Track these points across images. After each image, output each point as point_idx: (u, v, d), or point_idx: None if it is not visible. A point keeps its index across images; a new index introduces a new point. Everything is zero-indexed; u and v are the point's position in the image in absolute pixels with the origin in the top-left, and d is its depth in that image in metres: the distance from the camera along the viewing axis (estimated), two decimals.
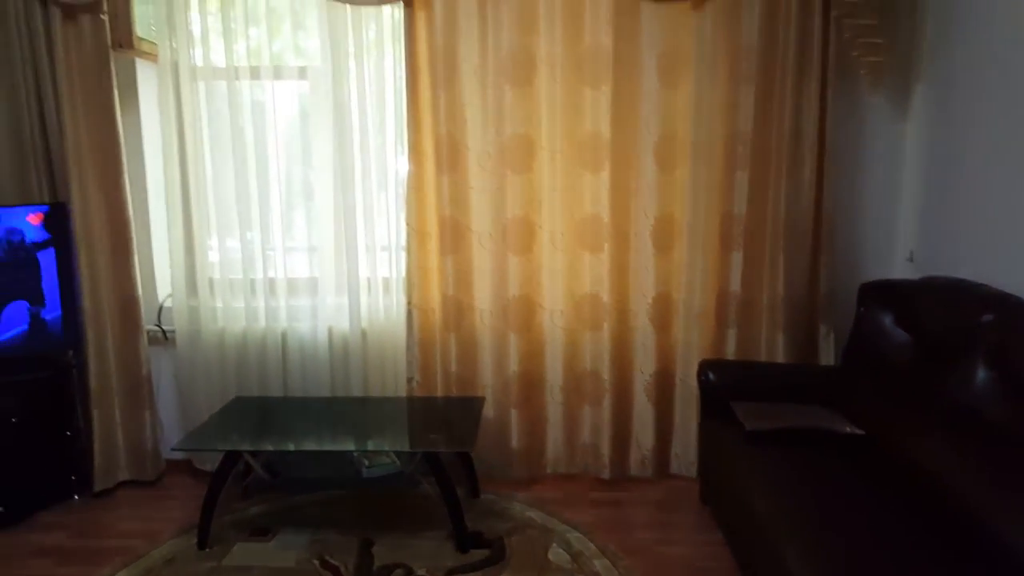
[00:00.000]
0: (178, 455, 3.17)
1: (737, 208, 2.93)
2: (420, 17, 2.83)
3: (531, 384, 3.11)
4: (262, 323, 3.12)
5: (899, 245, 3.02)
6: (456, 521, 2.59)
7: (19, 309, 2.83)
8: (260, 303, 3.11)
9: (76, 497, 3.04)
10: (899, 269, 2.98)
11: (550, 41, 2.85)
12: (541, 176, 2.97)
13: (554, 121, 2.91)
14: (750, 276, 2.98)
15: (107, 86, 2.85)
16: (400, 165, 2.99)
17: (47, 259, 2.86)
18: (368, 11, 2.86)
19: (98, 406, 3.02)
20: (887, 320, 2.55)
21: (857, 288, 2.74)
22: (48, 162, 2.91)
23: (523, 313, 3.05)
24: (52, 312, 2.90)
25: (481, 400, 3.00)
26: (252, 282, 3.11)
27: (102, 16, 2.77)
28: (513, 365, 3.06)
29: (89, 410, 3.02)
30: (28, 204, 2.85)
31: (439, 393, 3.11)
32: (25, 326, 2.85)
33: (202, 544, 2.64)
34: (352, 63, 2.91)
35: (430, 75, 2.87)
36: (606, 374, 3.07)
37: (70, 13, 2.77)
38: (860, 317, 2.68)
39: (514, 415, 3.10)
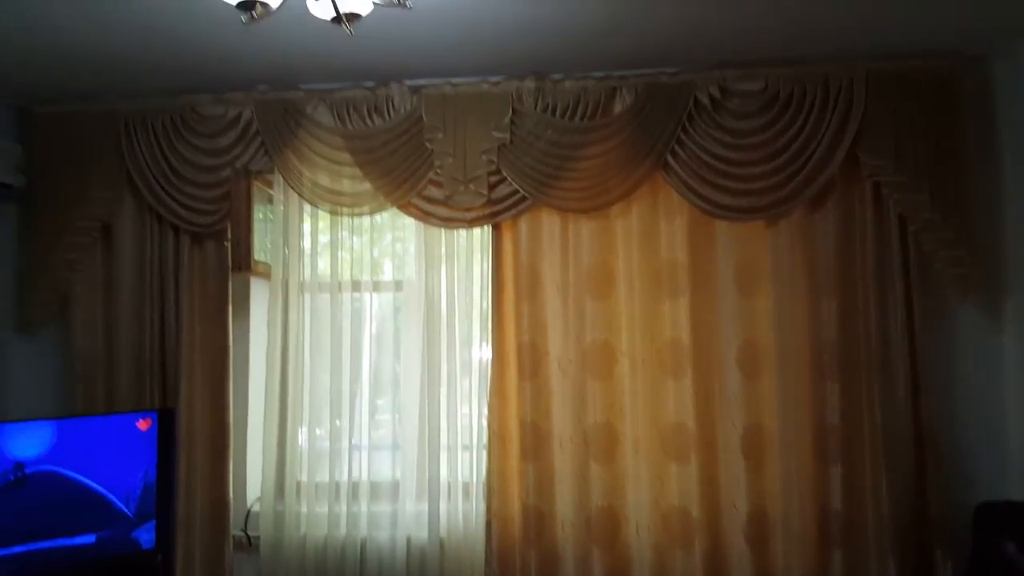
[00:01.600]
0: None
1: (830, 419, 2.78)
2: (506, 237, 2.99)
3: None
4: (343, 531, 3.05)
5: (1013, 459, 2.76)
6: None
7: (117, 511, 2.92)
8: (342, 508, 3.06)
9: None
10: (1018, 487, 2.70)
11: (628, 257, 2.93)
12: (622, 382, 2.92)
13: (633, 329, 2.91)
14: (851, 492, 2.74)
15: (223, 303, 3.07)
16: (483, 368, 3.03)
17: (149, 464, 2.99)
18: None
19: None
20: (1011, 547, 2.28)
21: (972, 508, 2.49)
22: (163, 369, 3.10)
23: (607, 526, 2.86)
24: (147, 516, 2.97)
25: None
26: (337, 485, 3.07)
27: (225, 243, 3.06)
28: None
29: None
30: (140, 411, 3.04)
31: None
32: (120, 529, 2.92)
33: None
34: (443, 273, 3.06)
35: (514, 287, 2.98)
36: None
37: (198, 239, 3.08)
38: (978, 542, 2.40)
39: None
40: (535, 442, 2.95)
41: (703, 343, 2.89)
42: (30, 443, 2.70)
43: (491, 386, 2.98)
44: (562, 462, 2.94)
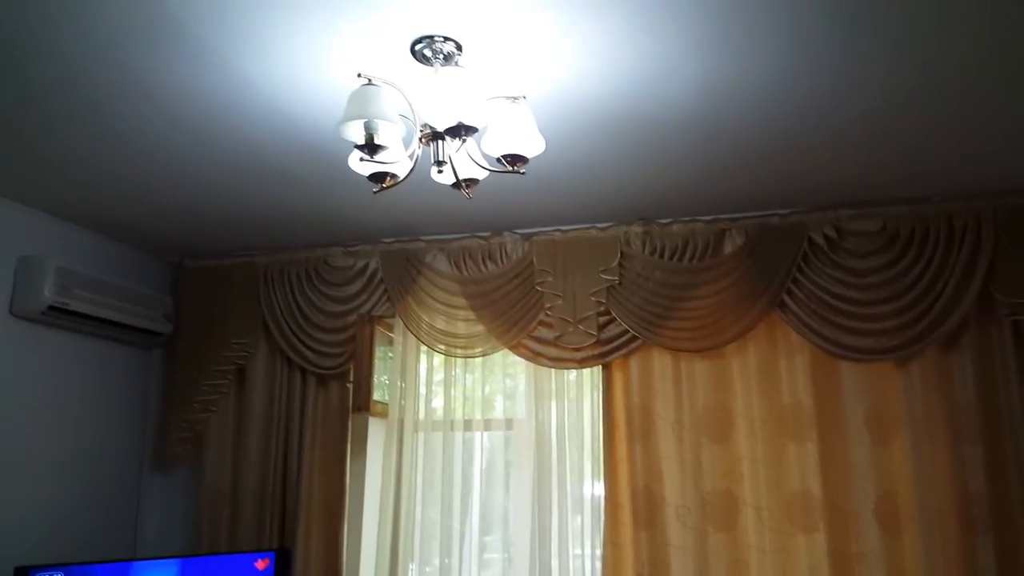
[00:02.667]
0: None
1: None
2: (617, 378, 2.92)
3: None
4: None
5: None
6: None
7: None
8: None
9: None
10: None
11: (747, 398, 2.79)
12: (747, 535, 2.69)
13: (757, 476, 2.71)
14: None
15: (342, 442, 3.13)
16: (596, 508, 2.89)
17: None
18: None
19: None
20: None
21: None
22: (283, 508, 3.13)
23: None
24: None
25: None
26: None
27: (348, 384, 3.17)
28: None
29: None
30: (259, 551, 3.07)
31: None
32: None
33: None
34: (553, 411, 3.00)
35: (626, 427, 2.86)
36: None
37: (323, 380, 3.19)
38: None
39: None
40: None
41: (836, 494, 2.64)
42: None
43: (605, 535, 2.82)
44: None
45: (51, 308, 2.79)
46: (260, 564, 2.98)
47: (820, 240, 2.76)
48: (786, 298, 2.77)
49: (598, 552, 2.85)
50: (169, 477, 3.38)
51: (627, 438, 2.89)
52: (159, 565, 2.79)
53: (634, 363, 2.94)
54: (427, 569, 3.07)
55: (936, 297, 2.62)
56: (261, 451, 3.19)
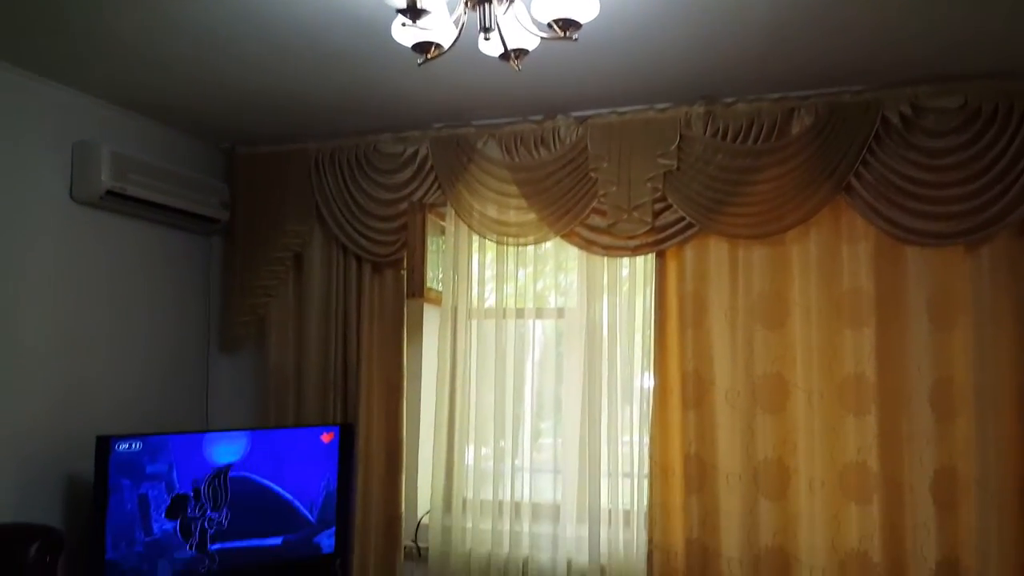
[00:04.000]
0: None
1: None
2: (671, 266, 2.86)
3: None
4: (506, 549, 3.03)
5: None
6: None
7: (301, 517, 3.09)
8: (505, 527, 3.04)
9: None
10: None
11: (804, 285, 2.70)
12: (796, 417, 2.69)
13: (810, 362, 2.68)
14: None
15: (398, 327, 3.18)
16: (645, 397, 2.92)
17: (331, 475, 3.15)
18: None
19: None
20: None
21: None
22: (344, 387, 3.25)
23: (777, 566, 2.63)
24: (328, 522, 3.13)
25: None
26: (500, 504, 3.08)
27: (402, 271, 3.17)
28: None
29: None
30: (324, 425, 3.22)
31: None
32: (304, 533, 3.09)
33: None
34: (605, 301, 2.97)
35: (678, 315, 2.84)
36: None
37: (378, 268, 3.20)
38: None
39: None
40: (699, 475, 2.79)
41: (890, 378, 2.60)
42: (228, 451, 2.92)
43: (653, 416, 2.86)
44: (728, 497, 2.76)
45: (109, 193, 2.79)
46: (325, 437, 3.12)
47: (895, 119, 2.57)
48: (854, 181, 2.62)
49: (646, 439, 2.89)
50: (235, 358, 3.51)
51: (679, 326, 2.86)
52: (231, 436, 2.94)
53: (689, 251, 2.86)
54: (483, 450, 3.18)
55: (1015, 179, 2.45)
56: (321, 334, 3.26)
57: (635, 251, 2.88)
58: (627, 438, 2.97)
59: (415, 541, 3.26)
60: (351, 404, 3.22)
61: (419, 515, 3.29)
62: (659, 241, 2.84)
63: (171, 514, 2.76)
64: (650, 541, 2.83)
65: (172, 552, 2.76)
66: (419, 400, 3.34)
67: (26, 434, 2.67)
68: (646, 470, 2.87)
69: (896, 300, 2.64)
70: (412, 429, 3.30)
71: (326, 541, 3.09)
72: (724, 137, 2.76)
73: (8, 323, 2.62)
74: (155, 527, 2.73)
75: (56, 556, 2.38)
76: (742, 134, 2.74)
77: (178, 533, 2.77)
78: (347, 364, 3.23)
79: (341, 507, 3.12)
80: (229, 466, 2.89)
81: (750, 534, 2.71)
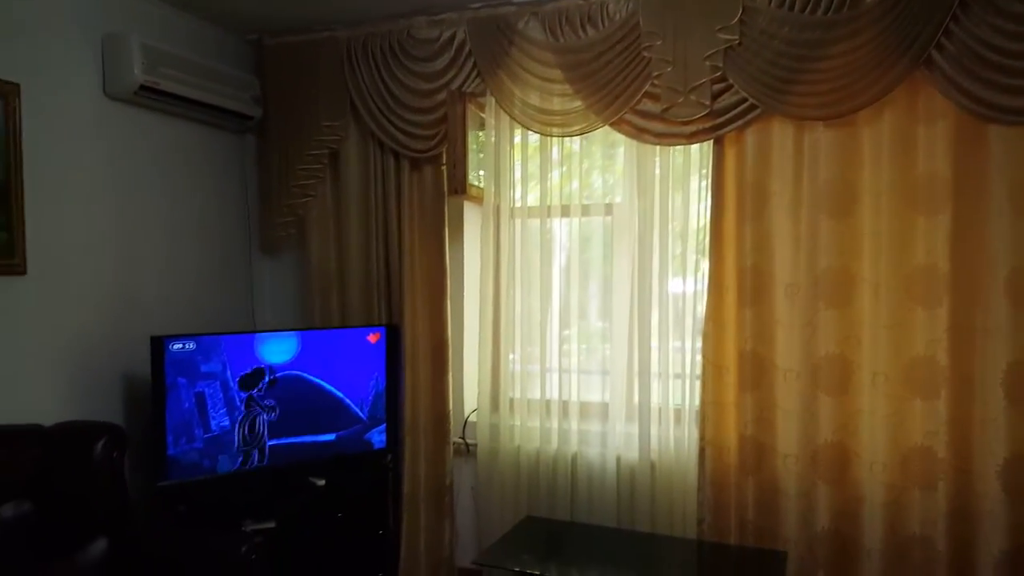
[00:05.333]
0: (470, 564, 3.23)
1: None
2: (729, 153, 2.70)
3: (843, 545, 2.63)
4: (554, 445, 3.09)
5: None
6: None
7: (352, 414, 3.15)
8: (553, 424, 3.09)
9: None
10: None
11: (875, 170, 2.53)
12: (861, 311, 2.59)
13: (878, 252, 2.55)
14: None
15: (440, 226, 3.11)
16: (698, 295, 2.85)
17: (379, 374, 3.18)
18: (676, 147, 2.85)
19: (408, 509, 3.17)
20: None
21: None
22: (388, 287, 3.24)
23: (836, 462, 2.63)
24: (378, 420, 3.19)
25: (783, 555, 2.63)
26: (548, 403, 3.11)
27: (442, 167, 3.07)
28: (822, 521, 2.64)
29: (400, 512, 3.20)
30: (370, 326, 3.22)
31: (733, 540, 2.78)
32: (355, 430, 3.16)
33: None
34: (656, 194, 2.86)
35: (736, 207, 2.71)
36: (940, 543, 2.51)
37: (416, 164, 3.11)
38: None
39: None
40: (755, 372, 2.74)
41: (964, 269, 2.46)
42: (279, 350, 2.95)
43: (707, 314, 2.78)
44: (786, 394, 2.71)
45: (143, 88, 2.73)
46: (372, 338, 3.13)
47: None
48: (934, 53, 2.39)
49: (698, 345, 2.82)
50: (277, 259, 3.51)
51: (736, 218, 2.74)
52: (280, 337, 2.96)
53: (750, 136, 2.69)
54: (528, 350, 3.16)
55: None
56: (362, 234, 3.22)
57: (691, 138, 2.72)
58: (678, 340, 2.91)
59: (463, 438, 3.31)
60: (395, 304, 3.21)
61: (466, 413, 3.33)
62: (718, 126, 2.67)
63: (228, 411, 2.83)
64: (702, 438, 2.82)
65: (230, 448, 2.85)
66: (463, 300, 3.31)
67: (83, 336, 2.73)
68: (698, 371, 2.82)
69: (975, 185, 2.46)
70: (457, 329, 3.29)
71: (377, 437, 3.16)
72: (791, 7, 2.53)
73: (55, 226, 2.61)
74: (213, 424, 2.81)
75: (121, 452, 2.45)
76: (811, 4, 2.50)
77: (235, 430, 2.85)
78: (389, 264, 3.20)
79: (390, 405, 3.17)
80: (281, 366, 2.93)
81: (808, 430, 2.67)
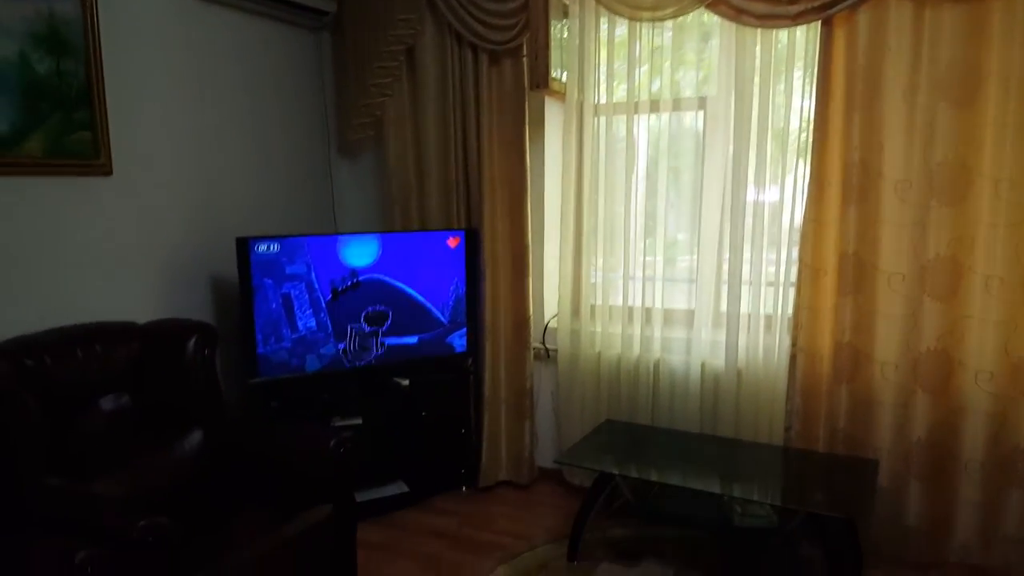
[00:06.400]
0: (549, 464, 3.27)
1: None
2: (839, 36, 2.47)
3: (941, 455, 2.54)
4: (636, 351, 3.04)
5: None
6: None
7: (434, 318, 3.16)
8: (636, 331, 3.04)
9: (464, 489, 3.28)
10: None
11: (1006, 51, 2.28)
12: (978, 209, 2.39)
13: (1002, 145, 2.32)
14: None
15: (520, 123, 3.01)
16: (798, 195, 2.68)
17: (459, 278, 3.16)
18: (778, 32, 2.62)
19: (488, 411, 3.23)
20: None
21: None
22: (467, 193, 3.19)
23: (938, 371, 2.50)
24: (459, 324, 3.19)
25: (874, 464, 2.55)
26: (630, 310, 3.05)
27: (522, 59, 2.93)
28: (919, 431, 2.54)
29: (481, 413, 3.25)
30: (449, 229, 3.17)
31: (821, 448, 2.72)
32: (437, 333, 3.17)
33: (571, 556, 2.64)
34: (755, 86, 2.67)
35: (844, 96, 2.50)
36: None
37: (495, 58, 2.98)
38: None
39: (914, 488, 2.56)
40: (856, 275, 2.59)
41: None
42: (361, 254, 2.96)
43: (807, 213, 2.62)
44: (888, 298, 2.56)
45: None
46: (452, 242, 3.09)
47: None
48: None
49: (794, 255, 2.68)
50: (357, 162, 3.49)
51: (844, 108, 2.54)
52: (361, 240, 2.96)
53: (862, 15, 2.45)
54: (610, 260, 3.08)
55: None
56: (440, 135, 3.15)
57: (796, 19, 2.50)
58: (772, 252, 2.77)
59: (543, 343, 3.29)
60: (475, 207, 3.15)
61: (547, 319, 3.30)
62: (827, 4, 2.44)
63: (314, 312, 2.87)
64: (794, 345, 2.73)
65: (318, 347, 2.91)
66: (543, 203, 3.23)
67: (171, 237, 2.81)
68: (792, 277, 2.68)
69: None
70: (537, 232, 3.23)
71: (458, 341, 3.18)
72: None
73: (137, 127, 2.64)
74: (300, 324, 2.86)
75: (212, 349, 2.53)
76: None
77: (322, 330, 2.89)
78: (468, 165, 3.13)
79: (470, 310, 3.17)
80: (362, 269, 2.94)
81: (910, 337, 2.54)
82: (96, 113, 2.46)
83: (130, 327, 2.46)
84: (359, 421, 2.95)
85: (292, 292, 2.84)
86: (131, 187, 2.61)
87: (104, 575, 1.62)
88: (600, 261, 3.09)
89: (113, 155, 2.53)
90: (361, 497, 2.95)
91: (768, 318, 2.81)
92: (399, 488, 3.16)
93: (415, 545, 2.81)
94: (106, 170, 2.52)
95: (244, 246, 2.70)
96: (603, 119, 2.95)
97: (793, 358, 2.72)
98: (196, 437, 2.44)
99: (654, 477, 2.54)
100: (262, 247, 2.74)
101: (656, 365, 3.02)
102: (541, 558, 2.68)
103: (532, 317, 3.20)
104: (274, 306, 2.81)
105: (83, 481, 2.11)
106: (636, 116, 2.89)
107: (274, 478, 2.36)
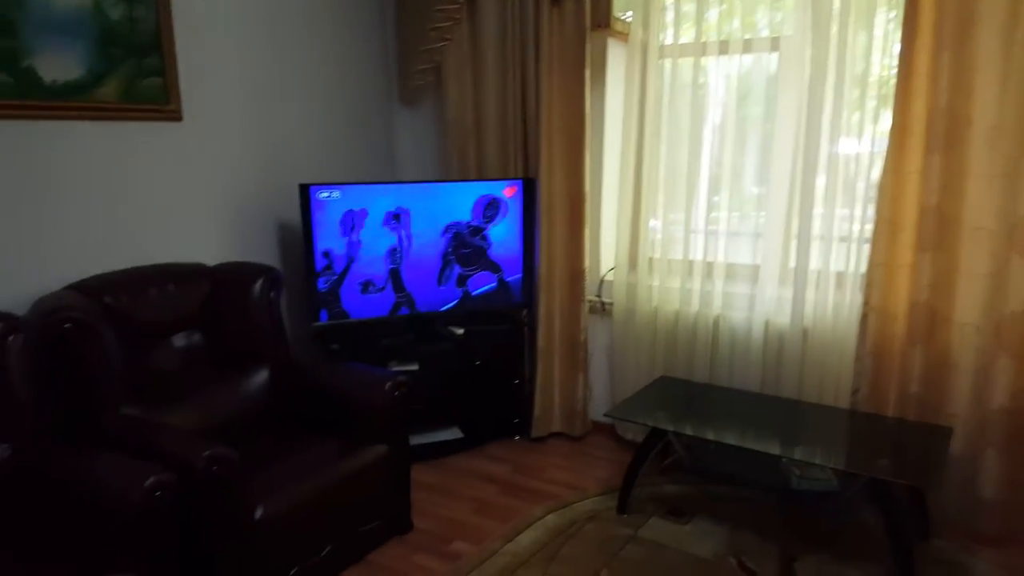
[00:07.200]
0: (603, 418, 3.27)
1: None
2: None
3: (1021, 426, 2.41)
4: (695, 306, 2.97)
5: None
6: (902, 562, 2.14)
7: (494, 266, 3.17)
8: (695, 286, 2.96)
9: (517, 438, 3.33)
10: None
11: None
12: None
13: None
14: None
15: (580, 66, 2.92)
16: (877, 144, 2.52)
17: (516, 226, 3.14)
18: None
19: (542, 362, 3.24)
20: None
21: None
22: (524, 141, 3.14)
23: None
24: (514, 274, 3.18)
25: (947, 431, 2.43)
26: (690, 264, 2.96)
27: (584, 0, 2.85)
28: (1000, 398, 2.38)
29: (535, 364, 3.26)
30: (506, 179, 3.15)
31: (890, 413, 2.60)
32: (494, 283, 3.18)
33: (621, 509, 2.65)
34: (834, 22, 2.50)
35: (933, 34, 2.31)
36: None
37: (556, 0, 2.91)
38: None
39: (991, 458, 2.42)
40: (938, 230, 2.43)
41: None
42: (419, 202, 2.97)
43: (887, 163, 2.46)
44: (973, 255, 2.40)
45: None
46: (508, 191, 3.07)
47: None
48: None
49: (869, 212, 2.52)
50: (416, 110, 3.49)
51: (932, 47, 2.35)
52: (419, 187, 2.97)
53: None
54: (671, 212, 2.98)
55: None
56: (499, 81, 3.12)
57: None
58: (846, 208, 2.62)
59: (599, 296, 3.26)
60: (532, 156, 3.11)
61: (603, 271, 3.26)
62: None
63: (373, 259, 2.92)
64: (865, 303, 2.59)
65: (377, 295, 2.96)
66: (602, 151, 3.15)
67: (238, 183, 2.89)
68: (867, 234, 2.53)
69: None
70: (595, 182, 3.17)
71: (514, 291, 3.17)
72: None
73: (205, 73, 2.72)
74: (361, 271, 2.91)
75: (278, 292, 2.62)
76: None
77: (382, 278, 2.95)
78: (526, 114, 3.08)
79: (525, 261, 3.15)
80: (420, 217, 2.96)
81: (995, 297, 2.38)
82: (165, 59, 2.54)
83: (201, 268, 2.57)
84: (415, 367, 3.01)
85: (352, 238, 2.89)
86: (200, 133, 2.70)
87: (171, 499, 1.73)
88: (659, 214, 3.01)
89: (183, 101, 2.62)
90: (417, 440, 3.05)
91: (839, 275, 2.68)
92: (454, 434, 3.23)
93: (467, 488, 2.88)
94: (176, 115, 2.61)
95: (306, 192, 2.76)
96: (668, 62, 2.84)
97: (864, 317, 2.59)
98: (262, 375, 2.56)
99: (710, 435, 2.49)
100: (323, 194, 2.80)
101: (716, 321, 2.95)
102: (590, 509, 2.70)
103: (588, 269, 3.16)
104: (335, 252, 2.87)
105: (156, 412, 2.24)
106: (704, 59, 2.76)
107: (334, 417, 2.46)
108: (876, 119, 2.50)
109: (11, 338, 1.88)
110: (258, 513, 1.99)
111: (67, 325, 2.04)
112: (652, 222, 3.03)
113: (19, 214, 2.21)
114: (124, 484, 1.70)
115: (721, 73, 2.79)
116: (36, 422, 1.95)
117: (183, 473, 1.79)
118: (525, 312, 3.26)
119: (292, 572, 2.11)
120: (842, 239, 2.66)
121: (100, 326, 2.13)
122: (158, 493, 1.70)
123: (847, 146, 2.58)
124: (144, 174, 2.55)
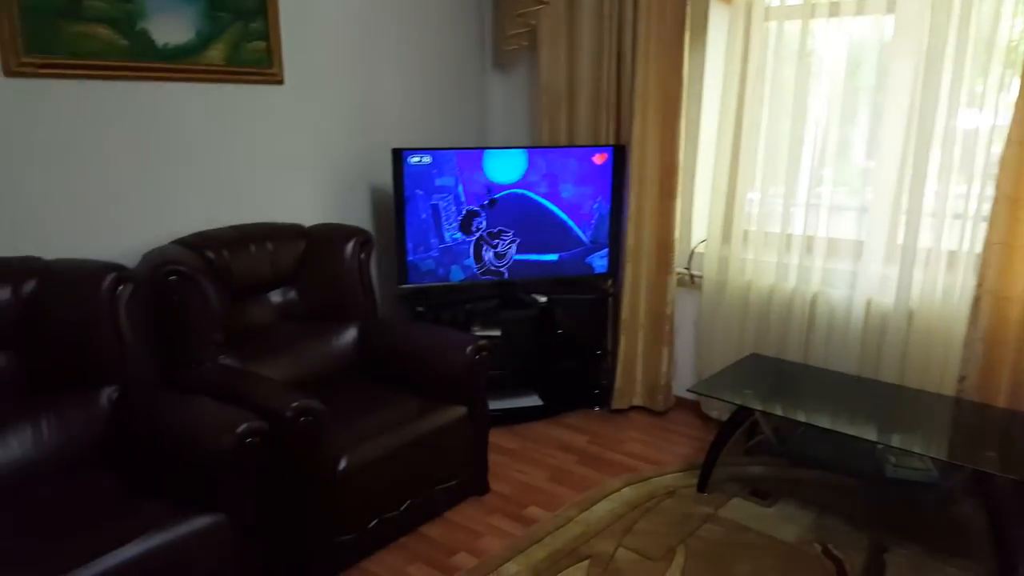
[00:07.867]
0: (686, 394, 3.20)
1: None
2: None
3: None
4: (791, 283, 2.84)
5: None
6: (1006, 560, 2.01)
7: (575, 236, 3.13)
8: (793, 261, 2.83)
9: (596, 408, 3.32)
10: None
11: None
12: None
13: None
14: None
15: (679, 28, 2.81)
16: (1001, 116, 2.30)
17: (603, 197, 3.09)
18: None
19: (625, 333, 3.19)
20: None
21: None
22: (618, 105, 3.07)
23: None
24: (600, 243, 3.14)
25: None
26: (788, 238, 2.83)
27: None
28: None
29: (618, 335, 3.22)
30: (597, 146, 3.09)
31: (1001, 403, 2.42)
32: (579, 251, 3.14)
33: (701, 487, 2.60)
34: None
35: None
36: None
37: None
38: None
39: None
40: None
41: None
42: (507, 168, 2.97)
43: (1010, 135, 2.25)
44: None
45: None
46: (598, 158, 3.02)
47: None
48: None
49: (988, 191, 2.32)
50: (509, 76, 3.48)
51: None
52: (508, 153, 2.97)
53: None
54: (770, 190, 2.85)
55: None
56: (594, 45, 3.05)
57: None
58: (963, 184, 2.42)
59: (688, 268, 3.17)
60: (624, 123, 3.05)
61: (694, 243, 3.16)
62: None
63: (462, 226, 2.94)
64: (980, 285, 2.40)
65: (462, 259, 3.00)
66: (699, 117, 3.04)
67: (334, 146, 2.98)
68: (985, 210, 2.34)
69: None
70: (690, 151, 3.06)
71: (598, 261, 3.15)
72: None
73: (305, 39, 2.77)
74: (447, 235, 2.96)
75: (368, 254, 2.70)
76: None
77: (467, 242, 2.97)
78: (621, 79, 3.01)
79: (613, 230, 3.11)
80: (508, 184, 2.96)
81: None
82: (270, 23, 2.62)
83: (297, 228, 2.67)
84: (497, 333, 3.04)
85: (440, 203, 2.93)
86: (300, 96, 2.78)
87: (260, 445, 1.82)
88: (759, 184, 2.88)
89: (284, 65, 2.70)
90: (497, 405, 3.08)
91: (951, 254, 2.50)
92: (533, 401, 3.25)
93: (545, 456, 2.89)
94: (278, 79, 2.69)
95: (399, 157, 2.80)
96: (774, 24, 2.69)
97: (977, 300, 2.41)
98: (350, 333, 2.65)
99: (801, 417, 2.39)
100: (414, 158, 2.83)
101: (814, 299, 2.81)
102: (669, 484, 2.66)
103: (678, 240, 3.07)
104: (424, 216, 2.91)
105: (251, 363, 2.36)
106: (812, 20, 2.59)
107: (416, 377, 2.52)
108: (1002, 87, 2.29)
109: (121, 288, 2.01)
110: (342, 464, 2.07)
111: (172, 277, 2.17)
112: (749, 194, 2.90)
113: (130, 172, 2.36)
114: (218, 429, 1.80)
115: (830, 38, 2.61)
116: (141, 367, 2.09)
117: (273, 422, 1.88)
118: (610, 282, 3.22)
119: (372, 523, 2.20)
120: (956, 216, 2.46)
121: (202, 280, 2.25)
122: (249, 439, 1.79)
123: (966, 118, 2.38)
124: (246, 136, 2.65)
